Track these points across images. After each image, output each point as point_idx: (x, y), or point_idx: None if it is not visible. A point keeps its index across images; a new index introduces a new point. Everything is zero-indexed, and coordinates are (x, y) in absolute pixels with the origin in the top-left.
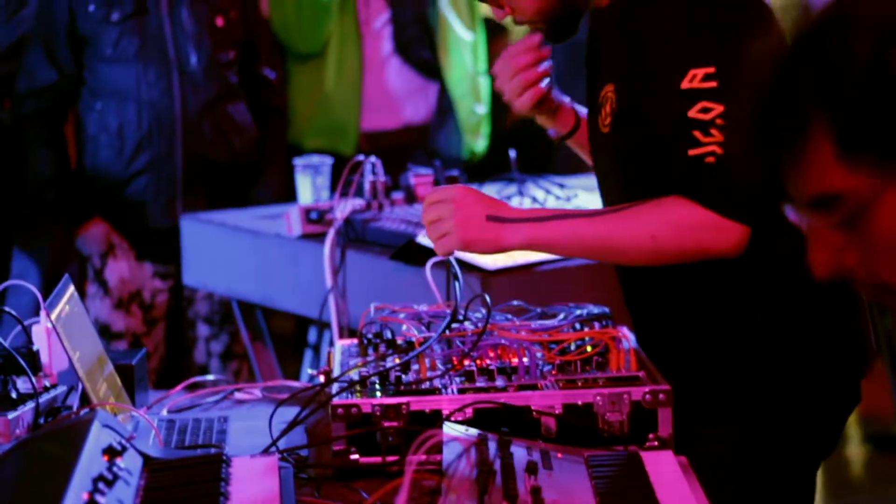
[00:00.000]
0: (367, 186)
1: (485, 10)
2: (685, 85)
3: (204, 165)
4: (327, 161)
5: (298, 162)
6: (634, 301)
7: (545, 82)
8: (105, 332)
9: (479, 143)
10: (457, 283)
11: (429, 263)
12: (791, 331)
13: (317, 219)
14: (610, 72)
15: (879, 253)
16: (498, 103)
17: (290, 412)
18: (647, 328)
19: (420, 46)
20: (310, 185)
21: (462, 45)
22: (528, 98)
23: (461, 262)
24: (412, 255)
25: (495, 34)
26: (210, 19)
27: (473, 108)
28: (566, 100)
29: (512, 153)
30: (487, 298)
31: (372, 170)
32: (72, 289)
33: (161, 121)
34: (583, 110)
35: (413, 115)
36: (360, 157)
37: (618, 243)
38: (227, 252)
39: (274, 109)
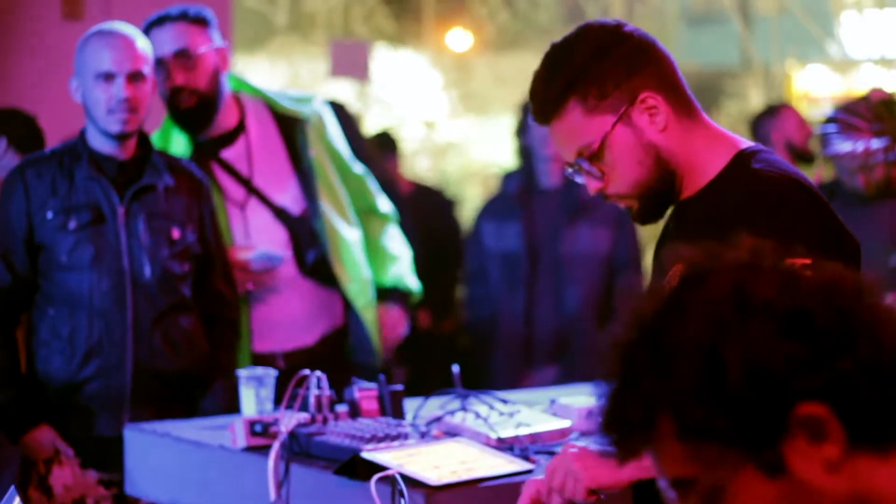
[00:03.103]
0: (311, 400)
1: None
2: None
3: (153, 376)
4: (271, 373)
5: (242, 373)
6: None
7: None
8: None
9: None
10: (402, 500)
11: (373, 479)
12: None
13: (261, 431)
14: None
15: None
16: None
17: None
18: None
19: (324, 264)
20: (253, 398)
21: (352, 248)
22: None
23: (406, 478)
24: (357, 470)
25: None
26: (166, 231)
27: None
28: None
29: (455, 368)
30: None
31: (317, 384)
32: (17, 501)
33: (112, 330)
34: None
35: (327, 325)
36: (306, 371)
37: None
38: (171, 463)
39: (226, 322)
